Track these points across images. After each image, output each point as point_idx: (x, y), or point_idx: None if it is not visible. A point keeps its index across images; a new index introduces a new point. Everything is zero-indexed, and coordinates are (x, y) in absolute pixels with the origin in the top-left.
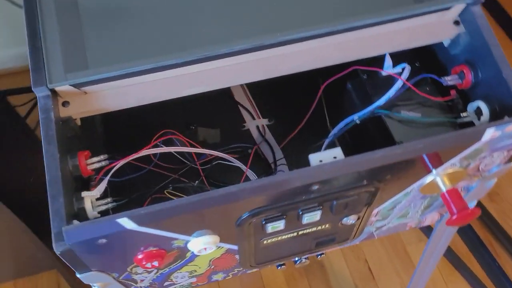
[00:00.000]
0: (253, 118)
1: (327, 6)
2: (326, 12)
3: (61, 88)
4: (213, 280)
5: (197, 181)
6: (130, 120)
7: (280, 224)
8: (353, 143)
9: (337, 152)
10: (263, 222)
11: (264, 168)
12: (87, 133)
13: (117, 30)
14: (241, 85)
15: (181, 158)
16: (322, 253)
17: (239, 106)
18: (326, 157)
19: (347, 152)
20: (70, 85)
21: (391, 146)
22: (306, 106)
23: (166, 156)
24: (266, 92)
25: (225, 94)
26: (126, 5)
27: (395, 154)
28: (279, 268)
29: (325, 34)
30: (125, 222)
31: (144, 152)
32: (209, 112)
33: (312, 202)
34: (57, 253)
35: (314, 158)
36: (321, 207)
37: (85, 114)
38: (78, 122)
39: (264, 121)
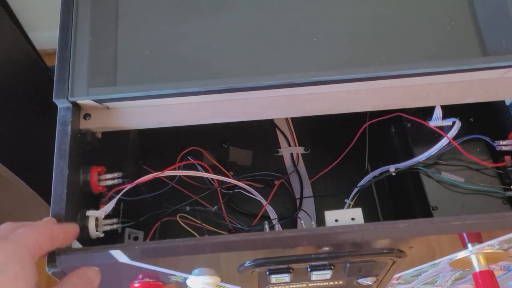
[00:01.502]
0: (289, 145)
1: (375, 47)
2: (372, 54)
3: (83, 101)
4: None
5: (216, 206)
6: (167, 129)
7: (285, 277)
8: (389, 189)
9: (357, 213)
10: (267, 273)
11: (289, 201)
12: (119, 140)
13: (150, 51)
14: None
15: (207, 178)
16: None
17: (276, 129)
18: (343, 217)
19: (380, 197)
20: (92, 100)
21: (424, 207)
22: (348, 141)
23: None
24: (308, 119)
25: None
26: (163, 28)
27: (419, 229)
28: None
29: (363, 79)
30: (118, 254)
31: (160, 174)
32: (246, 130)
33: (322, 261)
34: (49, 273)
35: (330, 216)
36: (332, 267)
37: (105, 129)
38: (99, 135)
39: (300, 149)
